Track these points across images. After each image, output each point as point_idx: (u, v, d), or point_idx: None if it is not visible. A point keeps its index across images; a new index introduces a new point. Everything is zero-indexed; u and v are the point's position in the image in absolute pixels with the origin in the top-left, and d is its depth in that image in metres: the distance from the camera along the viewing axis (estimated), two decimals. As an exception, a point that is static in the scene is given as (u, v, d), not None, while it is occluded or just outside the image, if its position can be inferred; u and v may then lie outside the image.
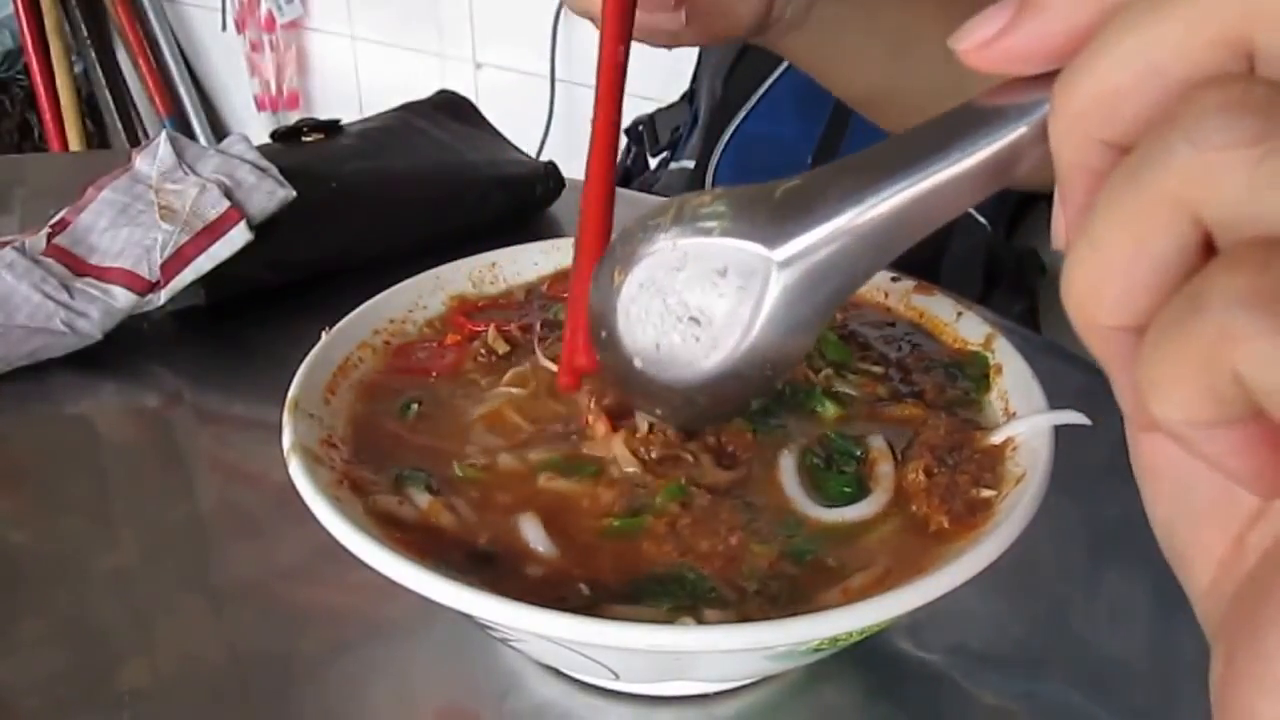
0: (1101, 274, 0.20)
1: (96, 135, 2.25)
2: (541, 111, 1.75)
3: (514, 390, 0.45)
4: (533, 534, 0.37)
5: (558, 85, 1.73)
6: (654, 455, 0.40)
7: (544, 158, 0.80)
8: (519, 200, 0.77)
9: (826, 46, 0.63)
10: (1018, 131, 0.24)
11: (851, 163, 0.27)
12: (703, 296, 0.30)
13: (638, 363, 0.33)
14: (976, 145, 0.25)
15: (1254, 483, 0.19)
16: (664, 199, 0.32)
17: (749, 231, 0.29)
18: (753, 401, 0.40)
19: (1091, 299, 0.20)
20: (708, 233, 0.30)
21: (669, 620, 0.33)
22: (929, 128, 0.26)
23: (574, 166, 0.80)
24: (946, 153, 0.25)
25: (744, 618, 0.34)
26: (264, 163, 0.66)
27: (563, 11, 1.68)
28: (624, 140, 1.40)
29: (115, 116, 2.26)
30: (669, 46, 0.60)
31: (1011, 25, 0.22)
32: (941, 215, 0.26)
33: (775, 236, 0.28)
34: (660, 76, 1.45)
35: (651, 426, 0.41)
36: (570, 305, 0.40)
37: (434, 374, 0.46)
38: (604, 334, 0.33)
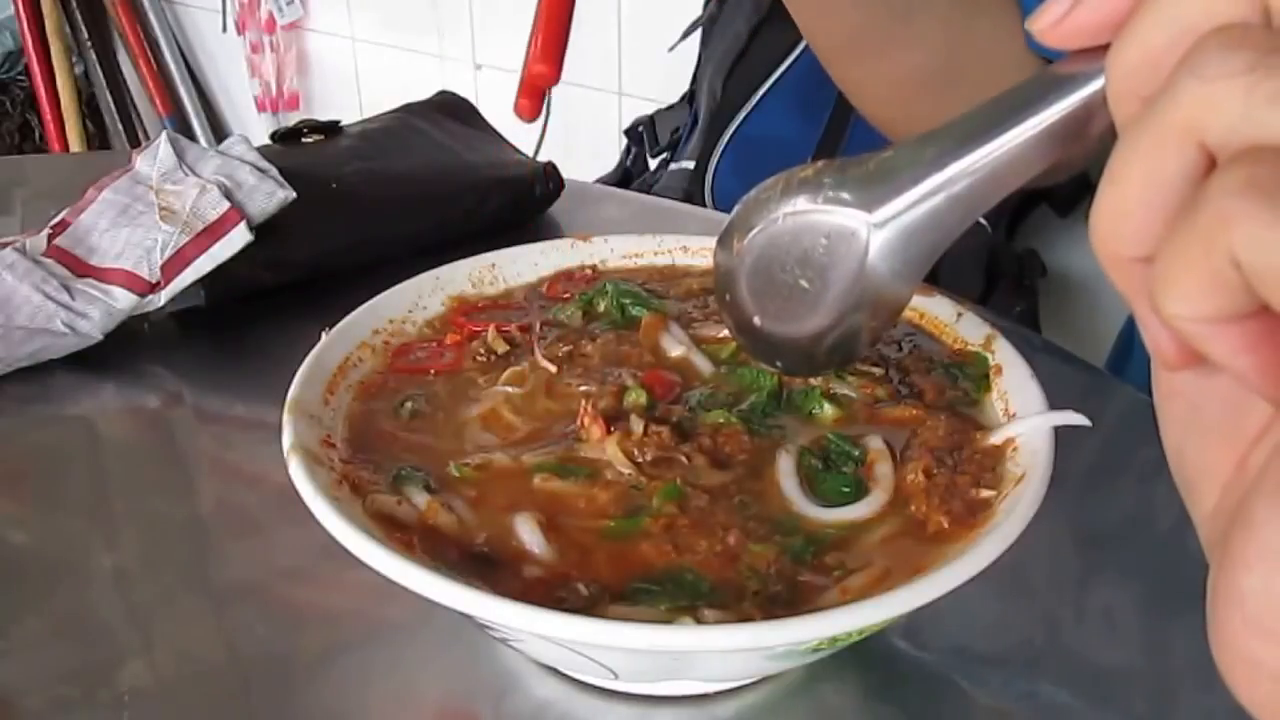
0: (1121, 206, 0.22)
1: (97, 136, 2.25)
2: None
3: (510, 389, 0.45)
4: (528, 535, 0.37)
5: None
6: (648, 458, 0.40)
7: (541, 158, 0.80)
8: (518, 201, 0.77)
9: None
10: (1085, 94, 0.27)
11: (939, 131, 0.30)
12: (810, 261, 0.34)
13: (757, 320, 0.36)
14: (1049, 108, 0.27)
15: (1260, 381, 0.20)
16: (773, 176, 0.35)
17: (847, 199, 0.32)
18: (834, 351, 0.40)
19: (1113, 232, 0.22)
20: (812, 201, 0.33)
21: (667, 620, 0.33)
22: (1006, 96, 0.29)
23: (571, 167, 0.80)
24: (1022, 116, 0.28)
25: (743, 618, 0.34)
26: (264, 164, 0.66)
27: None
28: (624, 141, 1.40)
29: (116, 117, 2.26)
30: None
31: (1076, 3, 0.25)
32: (1023, 173, 0.29)
33: (870, 201, 0.32)
34: (660, 78, 1.45)
35: (646, 429, 0.41)
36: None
37: (433, 373, 0.46)
38: (728, 296, 0.37)
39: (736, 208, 0.36)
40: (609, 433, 0.40)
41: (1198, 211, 0.20)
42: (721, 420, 0.42)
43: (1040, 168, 0.29)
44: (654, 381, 0.44)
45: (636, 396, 0.43)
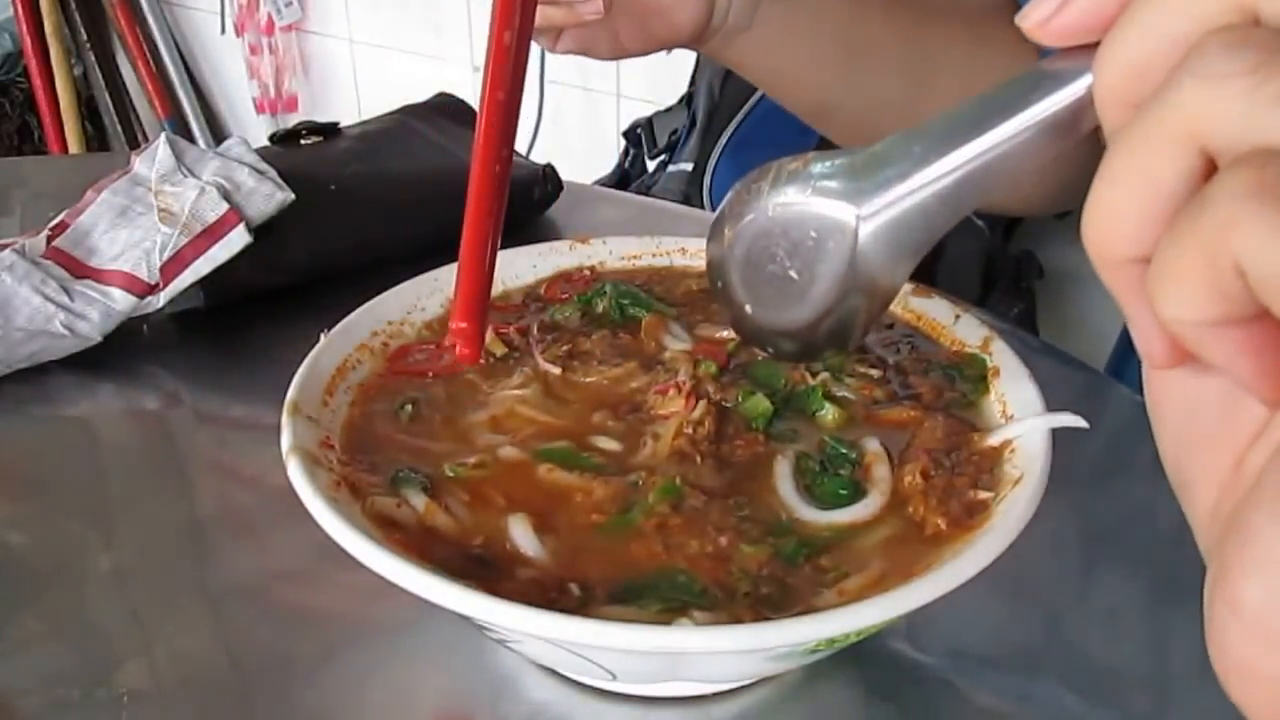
0: (1117, 207, 0.21)
1: (96, 138, 2.25)
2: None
3: (522, 392, 0.45)
4: (521, 536, 0.37)
5: (547, 86, 1.72)
6: (692, 436, 0.41)
7: (533, 159, 0.80)
8: (516, 203, 0.77)
9: (775, 53, 0.63)
10: (1075, 91, 0.26)
11: (927, 127, 0.30)
12: (799, 253, 0.34)
13: (748, 309, 0.36)
14: (1038, 104, 0.27)
15: (1259, 384, 0.20)
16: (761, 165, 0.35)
17: (835, 191, 0.32)
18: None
19: (1108, 232, 0.22)
20: (801, 193, 0.33)
21: (660, 621, 0.33)
22: (995, 92, 0.28)
23: (569, 169, 0.80)
24: (1010, 113, 0.28)
25: (734, 619, 0.34)
26: (263, 165, 0.66)
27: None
28: (622, 143, 1.40)
29: (115, 119, 2.26)
30: (611, 58, 0.59)
31: (1066, 2, 0.24)
32: (1012, 170, 0.29)
33: (858, 194, 0.32)
34: (658, 80, 1.45)
35: (709, 408, 0.43)
36: (459, 293, 0.46)
37: (431, 375, 0.46)
38: (720, 284, 0.37)
39: (727, 196, 0.36)
40: (691, 403, 0.42)
41: (1199, 214, 0.19)
42: (761, 410, 0.43)
43: (1031, 164, 0.28)
44: (710, 352, 0.46)
45: (707, 367, 0.45)
